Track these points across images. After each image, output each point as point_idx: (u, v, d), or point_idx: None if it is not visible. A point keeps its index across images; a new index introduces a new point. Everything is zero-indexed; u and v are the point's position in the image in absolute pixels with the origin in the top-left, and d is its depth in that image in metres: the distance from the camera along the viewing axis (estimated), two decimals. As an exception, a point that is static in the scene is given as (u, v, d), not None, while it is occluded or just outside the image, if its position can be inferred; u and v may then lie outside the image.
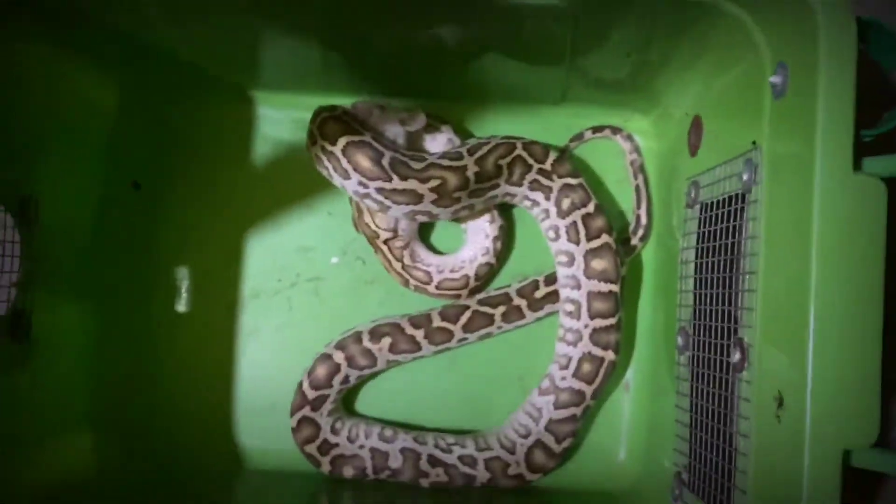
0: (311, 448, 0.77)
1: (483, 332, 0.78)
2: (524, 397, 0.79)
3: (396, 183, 0.69)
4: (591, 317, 0.74)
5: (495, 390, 0.81)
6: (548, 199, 0.75)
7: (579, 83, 0.75)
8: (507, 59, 0.70)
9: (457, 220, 0.78)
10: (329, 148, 0.70)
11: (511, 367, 0.81)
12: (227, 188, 0.82)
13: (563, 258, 0.75)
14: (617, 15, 0.62)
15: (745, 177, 0.56)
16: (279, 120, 0.82)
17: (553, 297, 0.78)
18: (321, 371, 0.76)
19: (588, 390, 0.74)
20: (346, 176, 0.70)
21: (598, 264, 0.74)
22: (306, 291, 0.82)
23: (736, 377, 0.57)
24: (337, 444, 0.77)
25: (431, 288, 0.79)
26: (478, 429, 0.80)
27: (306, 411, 0.76)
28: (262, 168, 0.83)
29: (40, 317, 0.70)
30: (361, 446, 0.77)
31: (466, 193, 0.72)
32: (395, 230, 0.77)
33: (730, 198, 0.60)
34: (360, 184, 0.70)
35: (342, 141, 0.70)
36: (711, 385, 0.61)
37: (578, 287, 0.74)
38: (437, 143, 0.77)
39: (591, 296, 0.74)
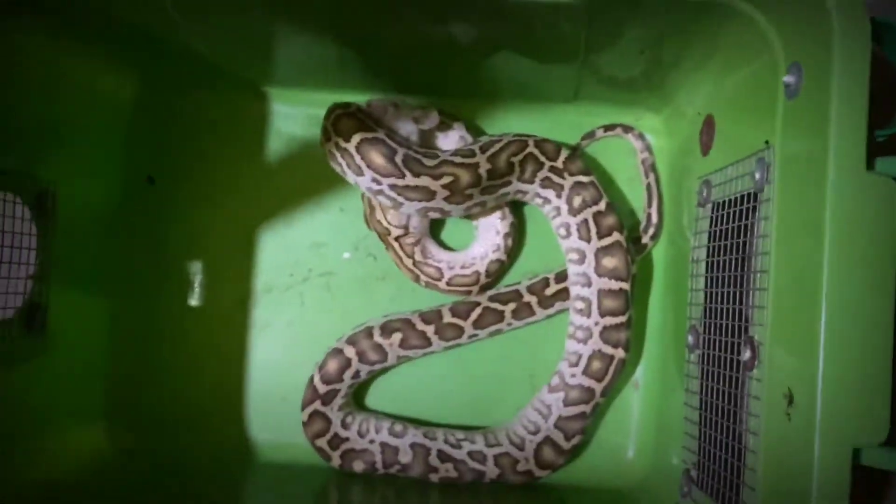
0: (322, 442, 0.77)
1: (493, 328, 0.79)
2: (533, 394, 0.79)
3: (409, 180, 0.70)
4: (602, 314, 0.74)
5: (505, 387, 0.82)
6: (559, 196, 0.76)
7: (592, 81, 0.75)
8: (519, 56, 0.70)
9: (468, 216, 0.79)
10: (343, 144, 0.70)
11: (521, 364, 0.82)
12: (240, 183, 0.82)
13: (574, 256, 0.76)
14: (630, 13, 0.62)
15: (757, 176, 0.57)
16: (293, 116, 0.83)
17: (563, 294, 0.78)
18: (332, 366, 0.77)
19: (598, 388, 0.74)
20: (360, 172, 0.71)
21: (609, 262, 0.74)
22: (318, 287, 0.82)
23: (746, 375, 0.57)
24: (347, 439, 0.77)
25: (442, 284, 0.79)
26: (487, 425, 0.81)
27: (317, 406, 0.77)
28: (276, 164, 0.83)
29: (56, 309, 0.71)
30: (371, 441, 0.77)
31: (478, 190, 0.72)
32: (406, 227, 0.77)
33: (741, 197, 0.60)
34: (374, 180, 0.70)
35: (356, 138, 0.70)
36: (721, 383, 0.62)
37: (589, 284, 0.75)
38: (450, 140, 0.78)
39: (602, 293, 0.74)
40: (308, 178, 0.82)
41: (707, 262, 0.67)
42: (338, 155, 0.72)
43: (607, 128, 0.81)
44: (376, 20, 0.66)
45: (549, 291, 0.79)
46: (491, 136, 0.76)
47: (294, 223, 0.83)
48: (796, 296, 0.51)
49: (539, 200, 0.77)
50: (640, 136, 0.81)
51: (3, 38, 0.63)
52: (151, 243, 0.82)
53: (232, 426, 0.82)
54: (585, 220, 0.75)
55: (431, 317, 0.78)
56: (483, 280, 0.79)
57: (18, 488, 0.65)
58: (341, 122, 0.71)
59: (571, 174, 0.75)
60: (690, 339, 0.69)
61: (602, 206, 0.75)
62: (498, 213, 0.79)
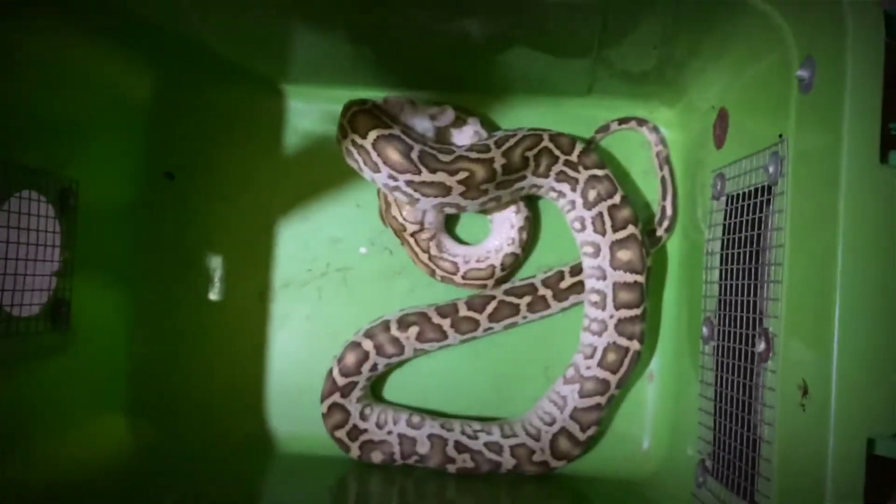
0: (341, 433, 0.78)
1: (509, 321, 0.79)
2: (549, 386, 0.80)
3: (425, 176, 0.70)
4: (617, 307, 0.75)
5: (520, 379, 0.83)
6: (574, 190, 0.76)
7: (605, 75, 0.76)
8: (534, 52, 0.71)
9: (483, 211, 0.79)
10: (359, 141, 0.71)
11: (536, 357, 0.82)
12: (258, 179, 0.83)
13: (589, 249, 0.76)
14: (644, 9, 0.62)
15: (771, 169, 0.57)
16: (309, 112, 0.84)
17: (578, 287, 0.79)
18: (350, 359, 0.78)
19: (613, 379, 0.75)
20: (377, 169, 0.71)
21: (624, 255, 0.75)
22: (335, 281, 0.83)
23: (761, 366, 0.58)
24: (366, 430, 0.78)
25: (458, 278, 0.80)
26: (503, 416, 0.82)
27: (336, 398, 0.78)
28: (293, 160, 0.84)
29: (78, 305, 0.72)
30: (390, 432, 0.78)
31: (494, 185, 0.73)
32: (421, 223, 0.78)
33: (755, 190, 0.61)
34: (390, 177, 0.71)
35: (372, 134, 0.71)
36: (736, 374, 0.62)
37: (604, 278, 0.75)
38: (464, 135, 0.78)
39: (617, 286, 0.75)
40: (324, 174, 0.83)
41: (721, 255, 0.67)
42: (354, 152, 0.72)
43: (621, 121, 0.82)
44: (391, 16, 0.66)
45: (563, 285, 0.79)
46: (505, 131, 0.76)
47: (311, 218, 0.83)
48: (810, 288, 0.52)
49: (554, 194, 0.77)
50: (655, 129, 0.81)
51: (26, 39, 0.63)
52: (171, 239, 0.83)
53: (252, 418, 0.83)
54: (600, 214, 0.75)
55: (447, 310, 0.79)
56: (498, 274, 0.80)
57: (44, 482, 0.66)
58: (357, 118, 0.72)
59: (586, 168, 0.75)
60: (705, 330, 0.69)
61: (617, 199, 0.75)
62: (513, 207, 0.80)
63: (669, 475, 0.77)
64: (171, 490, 0.72)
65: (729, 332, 0.64)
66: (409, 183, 0.71)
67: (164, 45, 0.75)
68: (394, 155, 0.70)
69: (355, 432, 0.78)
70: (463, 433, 0.78)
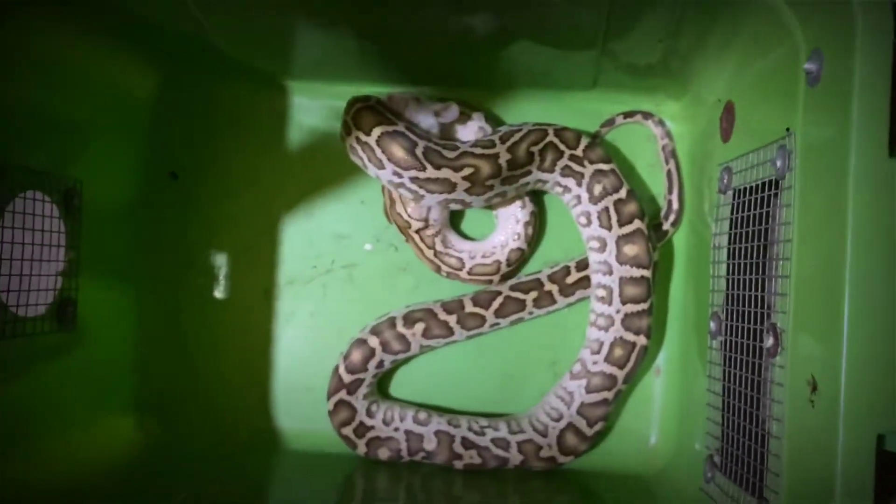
0: (348, 430, 0.78)
1: (515, 317, 0.79)
2: (555, 381, 0.80)
3: (430, 172, 0.70)
4: (623, 302, 0.74)
5: (527, 375, 0.82)
6: (580, 184, 0.76)
7: (610, 69, 0.75)
8: (538, 45, 0.70)
9: (489, 207, 0.79)
10: (363, 138, 0.71)
11: (543, 352, 0.82)
12: (262, 177, 0.83)
13: (595, 244, 0.76)
14: (649, 1, 0.62)
15: (778, 163, 0.56)
16: (313, 109, 0.83)
17: (584, 282, 0.79)
18: (356, 356, 0.78)
19: (620, 375, 0.75)
20: (381, 166, 0.71)
21: (631, 250, 0.74)
22: (341, 278, 0.83)
23: (769, 362, 0.58)
24: (372, 427, 0.78)
25: (463, 274, 0.80)
26: (510, 412, 0.82)
27: (342, 395, 0.78)
28: (297, 156, 0.84)
29: (84, 304, 0.72)
30: (396, 429, 0.78)
31: (499, 181, 0.72)
32: (426, 220, 0.78)
33: (763, 184, 0.60)
34: (395, 173, 0.71)
35: (377, 131, 0.70)
36: (743, 369, 0.62)
37: (610, 272, 0.75)
38: (469, 131, 0.78)
39: (623, 281, 0.74)
40: (329, 171, 0.83)
41: (728, 249, 0.67)
42: (358, 149, 0.72)
43: (627, 115, 0.81)
44: (395, 11, 0.66)
45: (570, 280, 0.79)
46: (510, 126, 0.76)
47: (316, 215, 0.83)
48: (819, 283, 0.51)
49: (559, 189, 0.77)
50: (660, 123, 0.81)
51: (27, 39, 0.63)
52: (175, 237, 0.83)
53: (259, 416, 0.83)
54: (606, 208, 0.75)
55: (453, 306, 0.78)
56: (504, 269, 0.79)
57: (54, 481, 0.66)
58: (361, 115, 0.72)
59: (592, 162, 0.75)
60: (712, 325, 0.69)
61: (623, 193, 0.75)
62: (518, 203, 0.79)
63: (677, 470, 0.77)
64: (178, 487, 0.72)
65: (736, 327, 0.64)
66: (413, 179, 0.71)
67: (166, 44, 0.75)
68: (398, 151, 0.70)
69: (362, 429, 0.78)
70: (470, 429, 0.78)
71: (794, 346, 0.54)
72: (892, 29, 0.48)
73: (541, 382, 0.81)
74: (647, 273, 0.74)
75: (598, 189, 0.75)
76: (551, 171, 0.75)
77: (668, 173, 0.80)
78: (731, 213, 0.66)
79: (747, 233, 0.63)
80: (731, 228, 0.66)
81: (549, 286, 0.79)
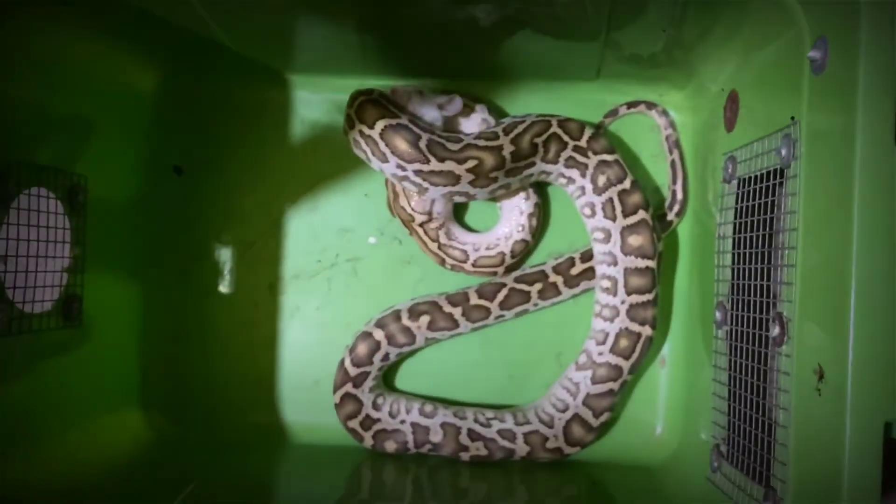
0: (354, 423, 0.78)
1: (520, 309, 0.79)
2: (561, 373, 0.80)
3: (434, 165, 0.70)
4: (629, 293, 0.74)
5: (532, 366, 0.83)
6: (584, 175, 0.76)
7: (614, 59, 0.75)
8: (541, 36, 0.70)
9: (493, 199, 0.79)
10: (367, 132, 0.71)
11: (548, 344, 0.82)
12: (265, 171, 0.83)
13: (600, 235, 0.76)
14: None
15: (783, 152, 0.56)
16: (316, 102, 0.83)
17: (589, 273, 0.79)
18: (362, 349, 0.78)
19: (625, 365, 0.75)
20: (385, 159, 0.71)
21: (635, 240, 0.74)
22: (345, 272, 0.83)
23: (775, 351, 0.58)
24: (379, 420, 0.79)
25: (468, 266, 0.80)
26: (516, 404, 0.82)
27: (349, 388, 0.78)
28: (300, 150, 0.84)
29: (91, 300, 0.72)
30: (403, 421, 0.78)
31: (503, 173, 0.72)
32: (429, 213, 0.78)
33: (767, 173, 0.60)
34: (399, 166, 0.71)
35: (380, 124, 0.70)
36: (749, 359, 0.62)
37: (615, 263, 0.75)
38: (472, 123, 0.78)
39: (628, 272, 0.74)
40: (332, 165, 0.83)
41: (733, 239, 0.67)
42: (362, 142, 0.72)
43: (630, 105, 0.81)
44: (397, 2, 0.66)
45: (574, 271, 0.79)
46: (514, 118, 0.76)
47: (320, 209, 0.83)
48: (825, 271, 0.51)
49: (563, 180, 0.77)
50: (664, 113, 0.80)
51: (29, 37, 0.63)
52: (180, 232, 0.84)
53: (265, 409, 0.83)
54: (610, 199, 0.75)
55: (458, 299, 0.78)
56: (508, 261, 0.79)
57: (62, 477, 0.67)
58: (364, 108, 0.71)
59: (595, 153, 0.75)
60: (718, 315, 0.69)
61: (627, 184, 0.75)
62: (522, 194, 0.79)
63: (683, 460, 0.77)
64: (186, 481, 0.72)
65: (742, 316, 0.64)
66: (417, 172, 0.71)
67: (168, 39, 0.75)
68: (402, 144, 0.70)
69: (368, 422, 0.78)
70: (476, 421, 0.78)
71: (801, 335, 0.54)
72: (897, 16, 0.48)
73: (546, 374, 0.81)
74: (651, 263, 0.74)
75: (602, 180, 0.75)
76: (555, 162, 0.75)
77: (672, 163, 0.80)
78: (736, 203, 0.66)
79: (752, 222, 0.63)
80: (735, 218, 0.66)
81: (553, 278, 0.79)
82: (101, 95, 0.75)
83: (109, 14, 0.68)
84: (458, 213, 0.83)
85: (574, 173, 0.76)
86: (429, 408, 0.79)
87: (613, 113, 0.81)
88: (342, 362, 0.79)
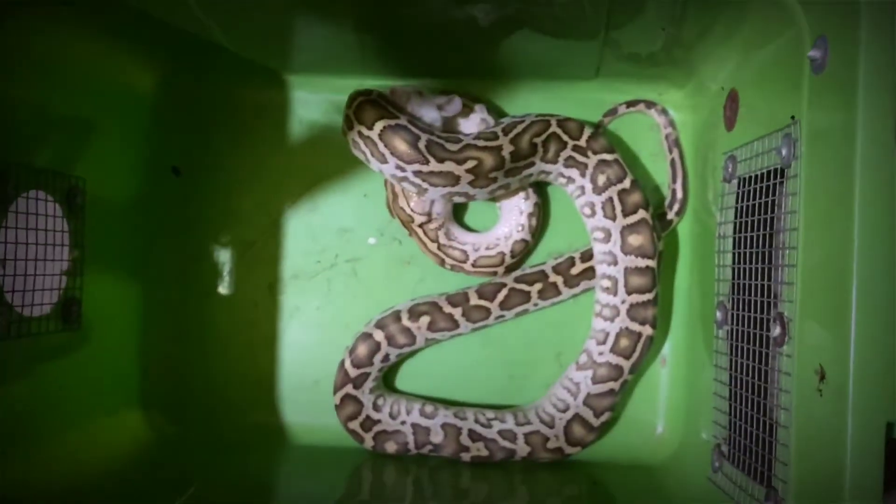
0: (355, 424, 0.78)
1: (520, 309, 0.79)
2: (562, 373, 0.79)
3: (433, 165, 0.70)
4: (629, 292, 0.74)
5: (533, 366, 0.82)
6: (583, 175, 0.75)
7: (613, 58, 0.75)
8: (540, 36, 0.70)
9: (492, 199, 0.79)
10: (366, 133, 0.71)
11: (548, 344, 0.82)
12: (264, 172, 0.83)
13: (600, 234, 0.76)
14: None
15: (783, 151, 0.56)
16: (314, 103, 0.83)
17: (589, 273, 0.79)
18: (362, 350, 0.78)
19: (626, 365, 0.75)
20: (384, 160, 0.71)
21: (635, 240, 0.74)
22: (345, 272, 0.83)
23: (776, 351, 0.57)
24: (379, 421, 0.78)
25: (468, 266, 0.80)
26: (516, 404, 0.82)
27: (349, 389, 0.78)
28: (299, 151, 0.84)
29: (90, 302, 0.72)
30: (403, 422, 0.78)
31: (502, 173, 0.72)
32: (429, 214, 0.78)
33: (768, 172, 0.60)
34: (398, 167, 0.71)
35: (379, 125, 0.70)
36: (750, 359, 0.62)
37: (615, 263, 0.75)
38: (471, 123, 0.78)
39: (629, 271, 0.74)
40: (331, 165, 0.82)
41: (734, 238, 0.66)
42: (361, 143, 0.72)
43: (630, 104, 0.81)
44: (396, 2, 0.65)
45: (574, 271, 0.79)
46: (513, 118, 0.75)
47: (319, 210, 0.83)
48: (826, 271, 0.51)
49: (563, 180, 0.77)
50: (664, 112, 0.80)
51: (28, 38, 0.63)
52: (179, 233, 0.83)
53: (265, 410, 0.83)
54: (610, 199, 0.75)
55: (458, 299, 0.78)
56: (508, 261, 0.79)
57: (63, 479, 0.66)
58: (363, 109, 0.71)
59: (595, 152, 0.75)
60: (719, 315, 0.69)
61: (627, 183, 0.75)
62: (522, 194, 0.79)
63: (684, 460, 0.77)
64: (186, 481, 0.72)
65: (743, 316, 0.64)
66: (417, 173, 0.70)
67: (168, 39, 0.74)
68: (401, 145, 0.70)
69: (369, 423, 0.78)
70: (476, 422, 0.78)
71: (802, 335, 0.54)
72: (897, 15, 0.48)
73: (547, 374, 0.81)
74: (651, 263, 0.74)
75: (601, 179, 0.75)
76: (555, 161, 0.75)
77: (672, 162, 0.80)
78: (736, 202, 0.66)
79: (753, 222, 0.63)
80: (736, 217, 0.66)
81: (553, 277, 0.79)
82: (100, 96, 0.75)
83: (109, 14, 0.68)
84: (457, 213, 0.83)
85: (574, 173, 0.76)
86: (429, 408, 0.79)
87: (613, 112, 0.81)
88: (342, 363, 0.78)
